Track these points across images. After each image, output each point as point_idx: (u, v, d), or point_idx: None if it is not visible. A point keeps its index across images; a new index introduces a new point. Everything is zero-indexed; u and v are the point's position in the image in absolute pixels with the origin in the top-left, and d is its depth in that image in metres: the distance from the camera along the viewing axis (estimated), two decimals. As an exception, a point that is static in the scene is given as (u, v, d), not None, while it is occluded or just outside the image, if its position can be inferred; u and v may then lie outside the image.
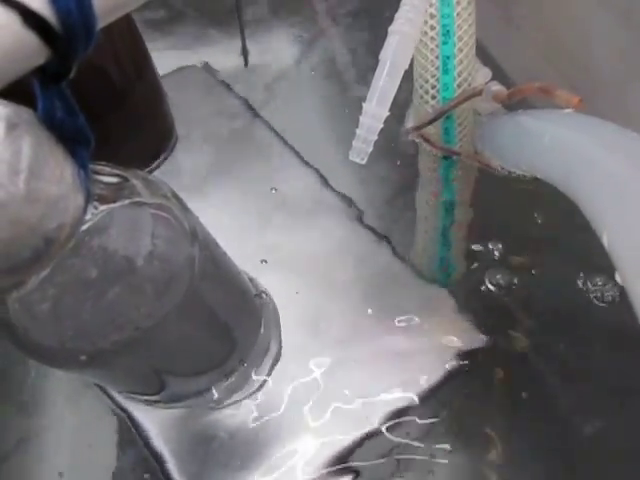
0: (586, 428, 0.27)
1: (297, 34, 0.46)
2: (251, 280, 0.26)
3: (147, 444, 0.26)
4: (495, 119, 0.32)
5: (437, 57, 0.30)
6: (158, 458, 0.26)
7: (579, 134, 0.23)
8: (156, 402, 0.23)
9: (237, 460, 0.26)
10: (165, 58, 0.39)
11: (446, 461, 0.26)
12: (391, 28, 0.25)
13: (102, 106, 0.29)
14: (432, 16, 0.29)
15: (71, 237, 0.13)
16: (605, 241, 0.19)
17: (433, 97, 0.33)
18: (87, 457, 0.28)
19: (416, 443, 0.26)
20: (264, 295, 0.28)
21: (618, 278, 0.18)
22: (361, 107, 0.26)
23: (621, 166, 0.20)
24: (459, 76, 0.31)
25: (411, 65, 0.32)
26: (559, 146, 0.24)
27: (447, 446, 0.26)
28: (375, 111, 0.25)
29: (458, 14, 0.29)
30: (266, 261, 0.31)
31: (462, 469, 0.27)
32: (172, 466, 0.25)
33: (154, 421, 0.26)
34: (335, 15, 0.48)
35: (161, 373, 0.20)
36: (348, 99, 0.41)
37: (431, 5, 0.29)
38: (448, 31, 0.29)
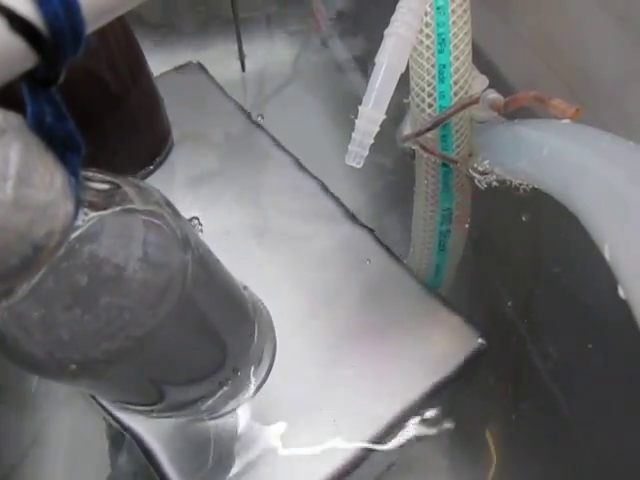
0: (589, 434, 0.27)
1: (295, 38, 0.46)
2: (245, 288, 0.26)
3: (146, 455, 0.26)
4: (493, 127, 0.32)
5: (433, 66, 0.30)
6: (157, 467, 0.25)
7: (578, 146, 0.23)
8: (150, 412, 0.23)
9: (232, 469, 0.25)
10: (160, 63, 0.39)
11: (446, 466, 0.26)
12: (387, 31, 0.25)
13: (97, 111, 0.29)
14: (427, 25, 0.29)
15: (60, 244, 0.13)
16: (607, 253, 0.19)
17: (430, 105, 0.32)
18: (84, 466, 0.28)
19: (414, 451, 0.26)
20: (258, 304, 0.28)
21: (620, 291, 0.18)
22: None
23: (621, 178, 0.20)
24: (455, 84, 0.31)
25: (409, 72, 0.32)
26: (558, 158, 0.24)
27: (445, 452, 0.26)
28: (371, 114, 0.25)
29: (454, 22, 0.29)
30: (262, 266, 0.31)
31: (462, 475, 0.26)
32: (171, 473, 0.25)
33: (150, 431, 0.26)
34: (333, 19, 0.48)
35: (153, 382, 0.20)
36: (346, 103, 0.41)
37: (426, 14, 0.29)
38: (444, 39, 0.29)
